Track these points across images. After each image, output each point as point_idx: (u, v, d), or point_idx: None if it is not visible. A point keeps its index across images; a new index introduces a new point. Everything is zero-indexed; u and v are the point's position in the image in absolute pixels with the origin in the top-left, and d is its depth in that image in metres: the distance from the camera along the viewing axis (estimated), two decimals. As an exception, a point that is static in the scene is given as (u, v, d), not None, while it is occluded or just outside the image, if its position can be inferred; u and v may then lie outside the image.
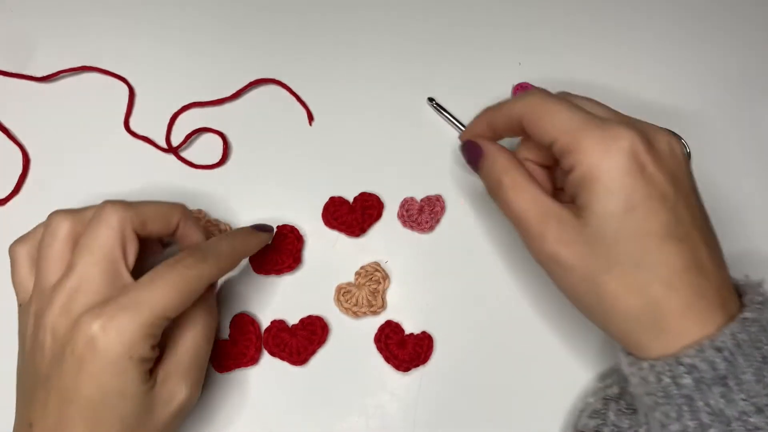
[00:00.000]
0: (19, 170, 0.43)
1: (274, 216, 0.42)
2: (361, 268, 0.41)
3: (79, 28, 0.48)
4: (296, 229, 0.41)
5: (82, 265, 0.30)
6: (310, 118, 0.46)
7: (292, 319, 0.40)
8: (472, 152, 0.36)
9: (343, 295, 0.40)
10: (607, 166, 0.29)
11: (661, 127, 0.31)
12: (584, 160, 0.29)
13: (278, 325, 0.39)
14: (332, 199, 0.42)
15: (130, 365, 0.29)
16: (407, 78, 0.47)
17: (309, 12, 0.49)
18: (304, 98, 0.46)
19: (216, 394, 0.38)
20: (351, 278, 0.41)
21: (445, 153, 0.45)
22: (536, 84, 0.46)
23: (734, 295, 0.30)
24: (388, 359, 0.39)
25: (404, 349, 0.38)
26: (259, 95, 0.46)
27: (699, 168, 0.45)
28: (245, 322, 0.39)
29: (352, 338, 0.40)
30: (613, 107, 0.45)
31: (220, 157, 0.44)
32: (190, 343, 0.32)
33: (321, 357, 0.39)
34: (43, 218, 0.42)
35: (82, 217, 0.32)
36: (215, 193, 0.43)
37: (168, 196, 0.43)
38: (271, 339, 0.39)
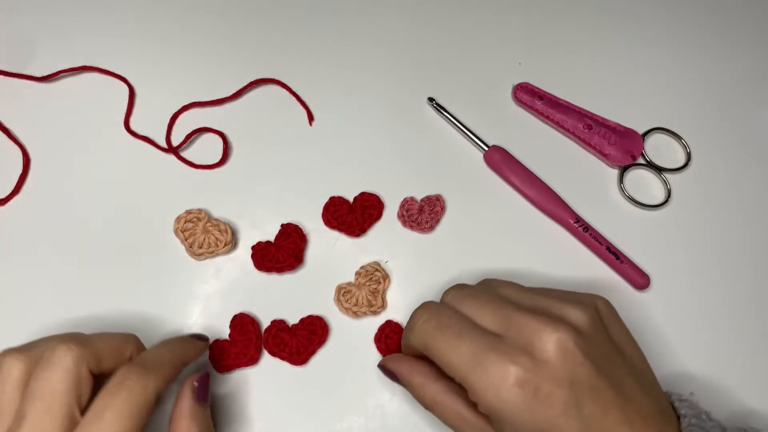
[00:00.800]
0: (19, 170, 0.43)
1: (274, 215, 0.42)
2: (361, 267, 0.41)
3: (79, 28, 0.48)
4: (300, 228, 0.41)
5: (32, 414, 0.27)
6: (310, 118, 0.46)
7: (292, 319, 0.40)
8: (389, 375, 0.36)
9: (343, 294, 0.40)
10: (504, 407, 0.29)
11: (551, 320, 0.30)
12: (482, 401, 0.29)
13: (278, 324, 0.39)
14: (332, 198, 0.42)
15: None
16: (407, 78, 0.47)
17: (309, 12, 0.49)
18: (304, 98, 0.46)
19: (216, 394, 0.38)
20: (351, 278, 0.41)
21: (445, 153, 0.45)
22: (536, 84, 0.46)
23: (673, 416, 0.31)
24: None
25: None
26: (259, 95, 0.46)
27: (699, 168, 0.45)
28: (245, 322, 0.39)
29: (352, 338, 0.40)
30: (612, 107, 0.46)
31: (220, 157, 0.44)
32: None
33: (321, 357, 0.39)
34: (43, 218, 0.42)
35: (34, 356, 0.30)
36: (215, 193, 0.43)
37: (168, 196, 0.43)
38: (271, 339, 0.39)
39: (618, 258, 0.41)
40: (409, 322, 0.34)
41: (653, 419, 0.29)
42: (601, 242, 0.41)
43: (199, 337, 0.37)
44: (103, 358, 0.30)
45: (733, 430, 0.30)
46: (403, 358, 0.36)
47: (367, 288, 0.40)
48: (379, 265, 0.41)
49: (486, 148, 0.44)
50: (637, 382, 0.30)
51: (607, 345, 0.31)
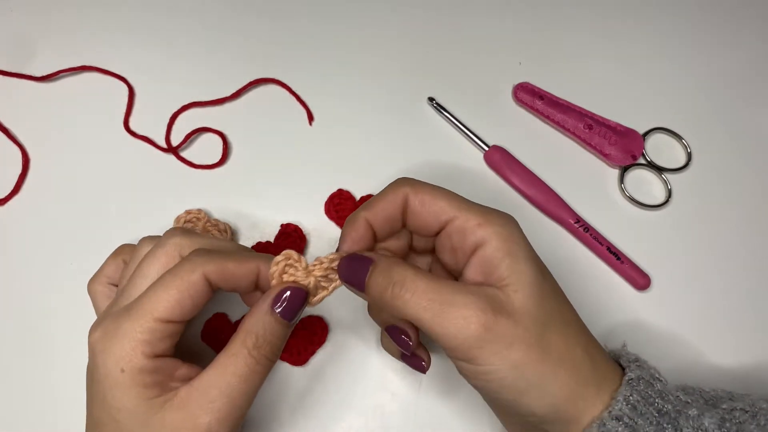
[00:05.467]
0: (19, 170, 0.43)
1: (274, 216, 0.42)
2: (325, 257, 0.32)
3: (79, 28, 0.48)
4: (300, 229, 0.41)
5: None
6: (310, 118, 0.46)
7: (292, 319, 0.40)
8: (358, 267, 0.30)
9: (287, 268, 0.31)
10: (518, 238, 0.29)
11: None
12: (501, 231, 0.29)
13: (278, 325, 0.39)
14: (340, 191, 0.42)
15: (123, 378, 0.27)
16: (407, 78, 0.47)
17: (309, 12, 0.49)
18: (304, 98, 0.46)
19: (216, 394, 0.38)
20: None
21: (445, 153, 0.45)
22: (536, 84, 0.46)
23: (613, 363, 0.31)
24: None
25: None
26: (259, 95, 0.46)
27: (699, 168, 0.45)
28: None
29: (352, 338, 0.40)
30: (613, 107, 0.46)
31: (220, 157, 0.44)
32: (225, 372, 0.28)
33: (321, 357, 0.39)
34: (43, 218, 0.42)
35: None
36: (215, 193, 0.43)
37: (168, 196, 0.43)
38: (271, 339, 0.39)
39: (618, 258, 0.41)
40: (395, 183, 0.32)
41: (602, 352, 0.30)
42: (601, 242, 0.41)
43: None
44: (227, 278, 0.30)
45: (672, 387, 0.30)
46: (382, 254, 0.32)
47: (313, 278, 0.31)
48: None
49: (486, 148, 0.44)
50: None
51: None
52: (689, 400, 0.29)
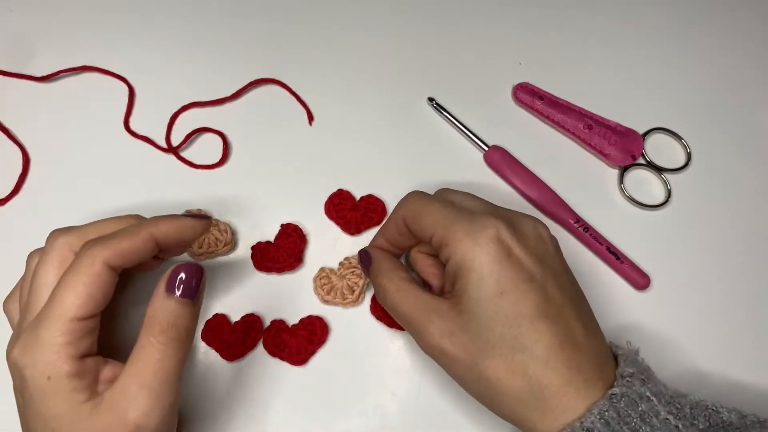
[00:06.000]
0: (19, 170, 0.43)
1: (274, 216, 0.42)
2: (346, 259, 0.41)
3: (79, 28, 0.48)
4: (300, 229, 0.41)
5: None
6: (310, 118, 0.46)
7: (292, 319, 0.40)
8: (363, 260, 0.38)
9: (321, 279, 0.40)
10: (476, 254, 0.30)
11: (527, 215, 0.34)
12: (457, 251, 0.31)
13: (278, 325, 0.39)
14: (340, 191, 0.42)
15: (51, 385, 0.27)
16: (407, 78, 0.47)
17: (309, 12, 0.49)
18: (304, 98, 0.46)
19: (216, 395, 0.38)
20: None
21: (445, 153, 0.45)
22: (536, 84, 0.46)
23: (612, 364, 0.31)
24: (391, 325, 0.39)
25: None
26: (259, 95, 0.46)
27: (699, 168, 0.45)
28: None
29: (352, 338, 0.40)
30: (612, 107, 0.46)
31: (220, 157, 0.44)
32: (139, 365, 0.28)
33: (321, 357, 0.39)
34: (43, 218, 0.42)
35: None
36: (215, 193, 0.43)
37: (168, 196, 0.43)
38: (271, 339, 0.39)
39: (618, 258, 0.41)
40: (401, 200, 0.36)
41: (599, 349, 0.31)
42: (601, 242, 0.41)
43: (196, 216, 0.34)
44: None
45: (670, 392, 0.30)
46: (379, 249, 0.38)
47: (346, 280, 0.40)
48: None
49: (486, 148, 0.44)
50: (588, 309, 0.33)
51: (567, 273, 0.33)
52: (679, 426, 0.28)
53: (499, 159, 0.44)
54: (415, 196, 0.35)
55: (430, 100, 0.46)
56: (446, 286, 0.34)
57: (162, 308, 0.29)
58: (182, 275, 0.29)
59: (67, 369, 0.27)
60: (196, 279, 0.30)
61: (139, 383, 0.28)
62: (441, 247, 0.32)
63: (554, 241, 0.34)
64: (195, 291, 0.30)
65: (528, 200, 0.43)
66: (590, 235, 0.42)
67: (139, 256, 0.30)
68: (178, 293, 0.29)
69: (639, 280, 0.41)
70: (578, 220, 0.42)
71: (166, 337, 0.28)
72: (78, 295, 0.28)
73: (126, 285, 0.35)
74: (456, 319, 0.31)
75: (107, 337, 0.31)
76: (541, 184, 0.43)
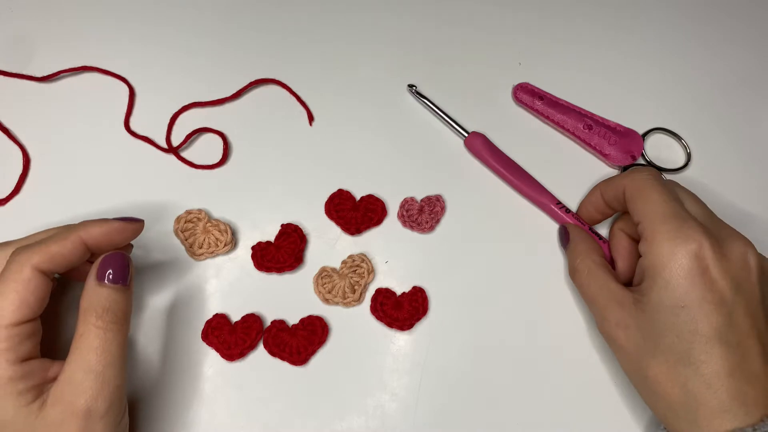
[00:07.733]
0: (19, 170, 0.43)
1: (274, 216, 0.42)
2: (349, 257, 0.41)
3: (79, 28, 0.48)
4: (300, 229, 0.41)
5: None
6: (310, 118, 0.46)
7: (292, 319, 0.40)
8: (562, 236, 0.41)
9: (323, 278, 0.40)
10: (669, 263, 0.31)
11: (743, 237, 0.33)
12: (653, 251, 0.32)
13: (278, 325, 0.39)
14: (340, 191, 0.42)
15: None
16: (408, 79, 0.47)
17: (309, 12, 0.49)
18: (304, 98, 0.46)
19: (216, 395, 0.38)
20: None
21: (446, 153, 0.45)
22: (536, 84, 0.46)
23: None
24: (391, 325, 0.39)
25: (401, 309, 0.39)
26: (259, 95, 0.46)
27: (699, 168, 0.45)
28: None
29: (352, 338, 0.40)
30: (612, 107, 0.46)
31: (220, 157, 0.44)
32: (81, 353, 0.29)
33: (321, 357, 0.39)
34: (43, 218, 0.42)
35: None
36: (215, 193, 0.43)
37: (168, 196, 0.43)
38: (271, 339, 0.39)
39: (601, 239, 0.41)
40: (629, 171, 0.37)
41: None
42: (583, 223, 0.41)
43: (125, 220, 0.34)
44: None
45: None
46: (578, 228, 0.40)
47: (348, 279, 0.40)
48: (366, 257, 0.41)
49: (466, 135, 0.44)
50: None
51: (764, 304, 0.32)
52: None
53: (480, 144, 0.44)
54: (647, 174, 0.35)
55: (410, 86, 0.46)
56: (635, 278, 0.35)
57: (96, 295, 0.30)
58: (110, 263, 0.31)
59: (10, 374, 0.28)
60: (123, 264, 0.31)
61: (83, 369, 0.29)
62: (642, 239, 0.33)
63: (762, 269, 0.32)
64: (124, 274, 0.31)
65: (509, 184, 0.43)
66: (573, 216, 0.41)
67: (69, 259, 0.31)
68: (109, 280, 0.30)
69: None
70: (559, 202, 0.42)
71: (104, 321, 0.29)
72: (11, 301, 0.29)
73: (66, 288, 0.36)
74: (634, 315, 0.32)
75: (53, 339, 0.32)
76: (519, 169, 0.43)
